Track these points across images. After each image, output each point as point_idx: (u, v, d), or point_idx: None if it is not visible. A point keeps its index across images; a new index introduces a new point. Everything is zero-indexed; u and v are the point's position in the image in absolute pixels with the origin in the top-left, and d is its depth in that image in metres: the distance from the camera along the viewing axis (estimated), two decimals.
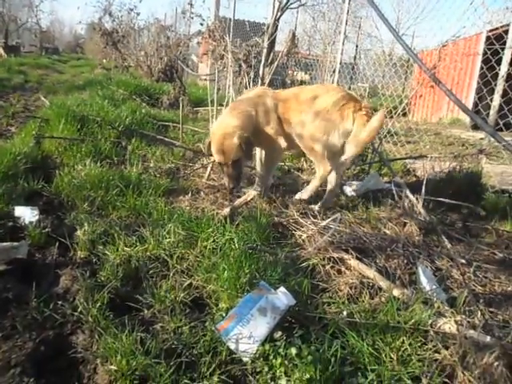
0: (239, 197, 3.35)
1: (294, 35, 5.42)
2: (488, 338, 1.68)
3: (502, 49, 3.97)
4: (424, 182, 3.23)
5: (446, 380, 1.62)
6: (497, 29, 9.63)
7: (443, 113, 13.02)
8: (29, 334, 1.69)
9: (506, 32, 4.08)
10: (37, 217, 2.59)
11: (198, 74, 10.33)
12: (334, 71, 8.00)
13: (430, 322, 1.80)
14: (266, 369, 1.60)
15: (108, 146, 4.31)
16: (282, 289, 1.92)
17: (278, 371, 1.59)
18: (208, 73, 10.76)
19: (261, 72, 6.62)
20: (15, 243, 2.18)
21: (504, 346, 1.61)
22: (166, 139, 5.23)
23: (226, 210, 2.81)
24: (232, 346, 1.69)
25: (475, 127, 10.39)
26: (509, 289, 2.47)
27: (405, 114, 10.23)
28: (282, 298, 1.88)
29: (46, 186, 3.23)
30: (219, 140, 3.00)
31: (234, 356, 1.68)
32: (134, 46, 14.31)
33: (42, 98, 7.67)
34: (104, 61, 17.51)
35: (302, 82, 12.26)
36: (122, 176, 3.37)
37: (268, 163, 3.41)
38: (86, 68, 18.58)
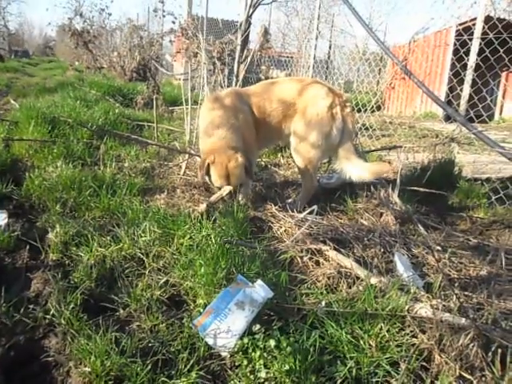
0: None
1: (266, 30, 5.41)
2: (463, 320, 1.70)
3: (470, 39, 4.04)
4: (399, 173, 3.26)
5: (424, 364, 1.63)
6: (466, 22, 9.85)
7: (417, 106, 13.25)
8: None
9: (475, 24, 4.17)
10: (5, 220, 2.51)
11: (172, 74, 10.23)
12: (308, 67, 8.04)
13: (406, 307, 1.82)
14: (246, 362, 1.59)
15: (81, 147, 4.21)
16: (260, 282, 1.91)
17: (257, 364, 1.58)
18: (182, 71, 10.66)
19: (235, 69, 6.60)
20: None
21: (478, 327, 1.63)
22: (141, 138, 5.16)
23: (203, 206, 2.77)
24: (210, 342, 1.66)
25: (448, 119, 10.61)
26: (482, 273, 2.51)
27: (379, 108, 10.38)
28: (260, 290, 1.86)
29: (15, 190, 3.13)
30: (222, 164, 2.81)
31: (212, 351, 1.66)
32: (107, 46, 14.07)
33: (12, 101, 7.46)
34: (76, 63, 17.17)
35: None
36: (95, 176, 3.30)
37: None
38: (57, 71, 18.17)
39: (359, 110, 6.69)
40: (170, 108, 7.93)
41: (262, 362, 1.58)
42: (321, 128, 3.05)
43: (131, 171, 3.92)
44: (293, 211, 3.06)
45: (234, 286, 1.87)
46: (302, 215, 2.72)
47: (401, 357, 1.62)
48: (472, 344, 1.61)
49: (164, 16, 8.31)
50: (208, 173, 2.91)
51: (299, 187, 3.80)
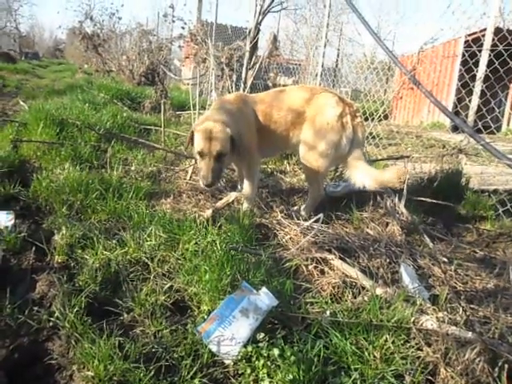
0: (220, 198, 3.34)
1: (275, 37, 5.43)
2: (469, 334, 1.68)
3: (480, 50, 4.03)
4: (405, 183, 3.24)
5: (429, 377, 1.62)
6: (475, 33, 9.84)
7: (424, 116, 13.23)
8: (1, 342, 1.63)
9: (484, 36, 4.16)
10: (12, 221, 2.52)
11: (180, 78, 10.29)
12: (316, 75, 8.06)
13: (412, 319, 1.80)
14: (249, 371, 1.58)
15: (88, 150, 4.24)
16: (264, 289, 1.90)
17: (260, 373, 1.57)
18: (190, 76, 10.71)
19: (243, 75, 6.62)
20: None
21: (485, 342, 1.61)
22: (148, 142, 5.18)
23: (208, 212, 2.77)
24: (214, 349, 1.66)
25: (455, 129, 10.57)
26: (489, 286, 2.49)
27: (386, 117, 10.36)
28: (264, 298, 1.85)
29: (23, 191, 3.15)
30: (209, 127, 2.71)
31: (215, 358, 1.65)
32: (116, 50, 14.18)
33: (21, 103, 7.52)
34: (85, 65, 17.31)
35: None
36: (102, 179, 3.31)
37: (249, 179, 3.17)
38: (66, 73, 18.32)
39: (366, 119, 6.68)
40: (178, 112, 7.96)
41: (265, 370, 1.57)
42: (330, 137, 3.04)
43: (138, 175, 3.94)
44: (298, 219, 3.05)
45: (238, 293, 1.87)
46: (307, 223, 2.71)
47: (406, 369, 1.60)
48: (478, 359, 1.59)
49: (174, 21, 8.38)
50: (192, 142, 2.84)
51: (305, 195, 3.79)
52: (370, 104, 6.36)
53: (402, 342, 1.73)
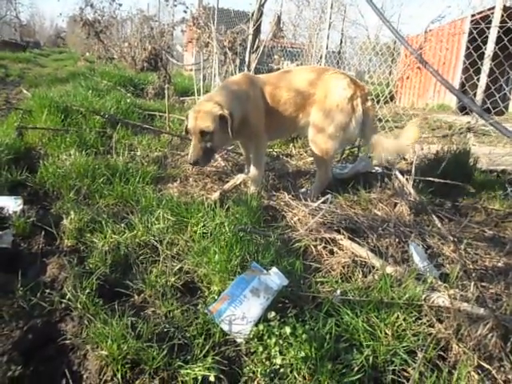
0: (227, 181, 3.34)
1: (279, 19, 5.35)
2: (481, 310, 1.67)
3: (488, 28, 3.95)
4: (413, 164, 3.22)
5: (441, 353, 1.62)
6: (482, 11, 9.67)
7: (430, 97, 13.07)
8: (15, 323, 1.65)
9: (492, 13, 4.07)
10: (21, 206, 2.52)
11: (183, 64, 10.20)
12: (320, 57, 7.96)
13: (423, 296, 1.80)
14: (261, 349, 1.58)
15: (93, 136, 4.22)
16: (275, 269, 1.90)
17: (272, 351, 1.57)
18: (193, 62, 10.62)
19: (247, 59, 6.55)
20: None
21: (497, 317, 1.61)
22: (152, 127, 5.16)
23: (216, 195, 2.77)
24: (225, 328, 1.66)
25: (462, 111, 10.45)
26: (499, 264, 2.48)
27: (392, 99, 10.26)
28: (275, 278, 1.85)
29: (30, 177, 3.15)
30: (199, 107, 2.76)
31: (227, 337, 1.66)
32: (118, 37, 14.07)
33: (24, 91, 7.51)
34: (87, 53, 17.21)
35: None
36: (108, 165, 3.31)
37: (256, 161, 3.17)
38: (68, 61, 18.20)
39: (371, 100, 6.63)
40: (181, 98, 7.91)
41: (277, 348, 1.57)
42: (339, 119, 3.01)
43: (144, 160, 3.93)
44: (306, 200, 3.04)
45: (248, 273, 1.87)
46: (315, 204, 2.69)
47: (417, 346, 1.60)
48: (491, 334, 1.58)
49: (175, 5, 8.27)
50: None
51: (312, 177, 3.78)
52: (376, 86, 6.29)
53: (413, 319, 1.73)
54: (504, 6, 4.27)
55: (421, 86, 13.45)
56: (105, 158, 3.64)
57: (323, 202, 2.65)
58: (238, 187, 2.90)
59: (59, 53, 29.64)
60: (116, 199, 2.89)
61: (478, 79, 4.02)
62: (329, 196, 2.63)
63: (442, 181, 3.26)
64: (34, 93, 6.48)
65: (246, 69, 6.66)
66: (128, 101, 6.00)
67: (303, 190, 3.45)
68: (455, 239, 2.69)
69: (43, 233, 2.32)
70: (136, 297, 1.90)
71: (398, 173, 3.41)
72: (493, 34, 4.03)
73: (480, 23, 4.37)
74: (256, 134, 3.09)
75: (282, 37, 6.37)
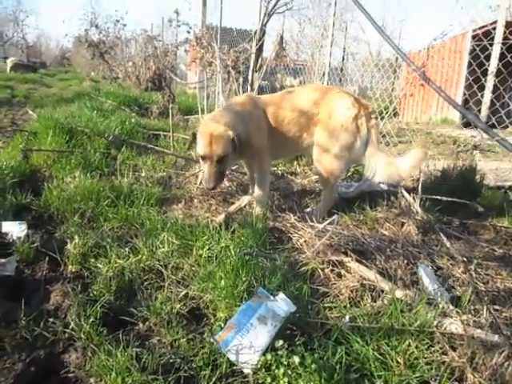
0: (232, 202, 3.31)
1: (281, 38, 5.39)
2: (496, 337, 1.62)
3: (490, 44, 3.96)
4: (420, 181, 3.19)
5: (456, 383, 1.56)
6: (484, 26, 9.74)
7: (433, 112, 13.08)
8: (18, 355, 1.61)
9: (494, 28, 4.10)
10: (25, 231, 2.51)
11: (186, 83, 10.31)
12: (323, 74, 8.00)
13: (435, 322, 1.75)
14: (269, 380, 1.54)
15: (98, 157, 4.23)
16: (282, 295, 1.86)
17: (281, 381, 1.53)
18: (197, 80, 10.70)
19: (250, 78, 6.60)
20: (2, 260, 2.09)
21: None
22: (157, 148, 5.17)
23: (221, 217, 2.74)
24: (232, 358, 1.62)
25: (466, 125, 10.45)
26: (511, 285, 2.43)
27: (395, 115, 10.28)
28: (282, 304, 1.81)
29: (34, 200, 3.14)
30: (210, 130, 2.72)
31: (234, 368, 1.61)
32: (122, 57, 14.27)
33: (30, 112, 7.57)
34: (92, 73, 17.43)
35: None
36: (112, 187, 3.30)
37: (260, 182, 3.15)
38: (74, 81, 18.44)
39: (375, 118, 6.65)
40: (185, 117, 7.95)
41: (286, 379, 1.52)
42: (345, 139, 2.99)
43: (148, 181, 3.92)
44: (312, 221, 3.00)
45: (255, 300, 1.83)
46: (322, 225, 2.66)
47: (431, 376, 1.55)
48: (507, 363, 1.53)
49: (179, 26, 8.39)
50: (194, 144, 2.87)
51: (317, 196, 3.75)
52: (380, 102, 6.31)
53: (425, 346, 1.67)
54: (506, 21, 4.30)
55: (424, 103, 13.48)
56: (109, 180, 3.63)
57: (329, 223, 2.61)
58: (243, 209, 2.88)
59: (65, 72, 30.07)
60: (120, 222, 2.87)
61: (481, 95, 4.02)
62: (335, 217, 2.60)
63: (449, 199, 3.21)
64: (40, 114, 6.54)
65: (249, 87, 6.71)
66: (132, 121, 6.04)
67: (308, 209, 3.41)
68: (465, 259, 2.65)
69: (47, 259, 2.30)
70: (141, 325, 1.86)
71: (404, 191, 3.38)
72: (496, 50, 4.04)
73: (482, 39, 4.40)
74: (259, 155, 3.08)
75: (284, 56, 6.42)
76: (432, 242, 2.94)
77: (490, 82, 3.85)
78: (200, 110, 5.22)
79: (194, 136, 2.79)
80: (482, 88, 4.26)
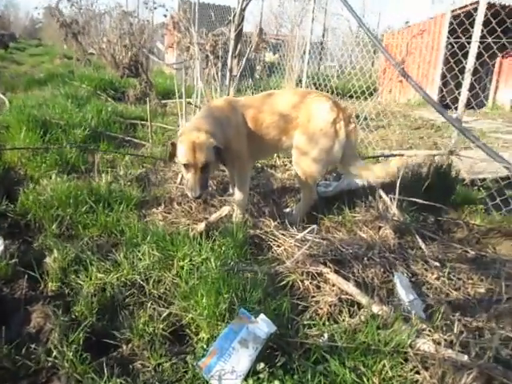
0: (212, 205, 3.33)
1: (261, 30, 5.29)
2: (465, 358, 1.71)
3: (472, 26, 3.94)
4: (398, 183, 3.25)
5: None
6: (465, 7, 9.74)
7: (412, 94, 13.17)
8: None
9: (475, 9, 4.08)
10: (1, 247, 2.46)
11: (164, 63, 10.05)
12: (304, 52, 7.90)
13: (409, 342, 1.83)
14: None
15: (74, 154, 4.14)
16: (262, 316, 1.90)
17: None
18: (174, 61, 10.43)
19: (229, 63, 6.48)
20: None
21: (481, 366, 1.65)
22: (135, 140, 5.10)
23: (201, 226, 2.75)
24: None
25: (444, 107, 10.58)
26: (481, 290, 2.54)
27: (375, 90, 10.31)
28: (263, 326, 1.86)
29: (10, 206, 3.08)
30: (192, 138, 2.67)
31: None
32: (96, 33, 13.73)
33: (1, 96, 7.29)
34: (64, 46, 16.74)
35: (271, 64, 12.18)
36: (90, 190, 3.24)
37: (240, 186, 3.15)
38: (45, 57, 17.76)
39: (351, 96, 6.68)
40: (163, 101, 7.81)
41: None
42: (323, 143, 3.01)
43: (126, 179, 3.88)
44: (291, 223, 3.05)
45: (236, 322, 1.87)
46: (301, 234, 2.70)
47: None
48: (475, 383, 1.63)
49: (155, 8, 8.11)
50: (175, 154, 2.80)
51: (296, 193, 3.79)
52: (356, 81, 6.35)
53: (399, 366, 1.76)
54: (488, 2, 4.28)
55: (402, 84, 13.52)
56: (87, 182, 3.56)
57: (309, 232, 2.66)
58: (223, 218, 2.89)
59: (36, 46, 28.96)
60: (100, 229, 2.85)
61: (462, 78, 4.01)
62: (314, 226, 2.64)
63: (425, 202, 3.29)
64: (11, 101, 6.33)
65: (228, 73, 6.60)
66: (109, 109, 5.90)
67: (288, 210, 3.46)
68: (438, 264, 2.75)
69: (26, 277, 2.27)
70: (124, 347, 1.89)
71: (381, 192, 3.44)
72: (476, 33, 4.01)
73: (463, 21, 4.42)
74: (239, 159, 3.08)
75: (264, 47, 6.31)
76: (408, 245, 3.03)
77: (470, 63, 3.84)
78: (178, 97, 5.09)
79: (174, 146, 2.75)
80: (461, 71, 4.32)
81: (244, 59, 4.92)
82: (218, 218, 2.81)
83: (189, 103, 5.48)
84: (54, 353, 1.76)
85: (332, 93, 7.13)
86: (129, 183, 3.78)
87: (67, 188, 3.20)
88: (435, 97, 12.82)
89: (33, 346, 1.83)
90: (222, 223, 2.88)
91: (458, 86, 4.33)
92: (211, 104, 3.16)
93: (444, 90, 5.55)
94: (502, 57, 12.65)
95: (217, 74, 6.99)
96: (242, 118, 3.05)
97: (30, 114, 4.68)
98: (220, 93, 6.92)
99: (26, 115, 4.65)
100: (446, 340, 1.85)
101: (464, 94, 3.87)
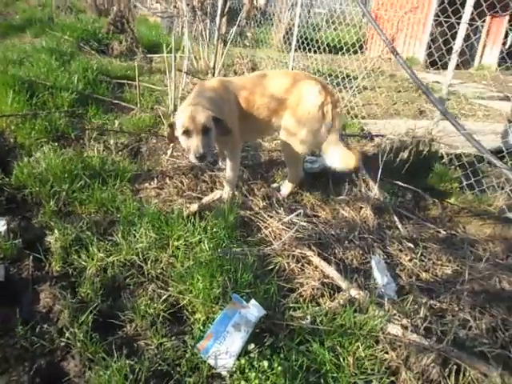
0: (203, 180, 3.47)
1: None
2: (427, 342, 1.99)
3: None
4: (381, 164, 3.43)
5: (393, 378, 1.94)
6: None
7: (399, 50, 13.03)
8: (22, 366, 1.83)
9: None
10: (5, 227, 2.58)
11: (150, 11, 9.64)
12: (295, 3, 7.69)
13: (380, 326, 2.09)
14: (243, 382, 1.85)
15: (63, 121, 4.16)
16: (253, 301, 2.13)
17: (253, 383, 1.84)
18: (159, 10, 10.03)
19: (217, 23, 6.34)
20: None
21: (439, 350, 1.93)
22: (124, 103, 5.09)
23: (194, 207, 2.91)
24: (212, 363, 1.91)
25: (431, 65, 10.58)
26: (448, 271, 2.82)
27: (361, 48, 10.20)
28: (254, 310, 2.09)
29: (5, 179, 3.15)
30: (189, 109, 2.75)
31: (213, 372, 1.91)
32: None
33: None
34: None
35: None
36: (84, 165, 3.33)
37: (231, 164, 3.25)
38: None
39: (337, 52, 6.68)
40: (149, 55, 7.62)
41: (257, 381, 1.84)
42: (310, 126, 3.13)
43: (117, 148, 3.95)
44: (278, 202, 3.24)
45: (230, 307, 2.09)
46: (288, 218, 2.90)
47: (375, 376, 1.91)
48: (433, 364, 1.92)
49: None
50: (173, 133, 2.86)
51: (283, 167, 3.93)
52: (350, 28, 6.33)
53: (372, 347, 2.03)
54: None
55: (390, 37, 13.33)
56: (78, 152, 3.63)
57: (296, 216, 2.86)
58: (216, 201, 3.05)
59: None
60: (96, 206, 2.98)
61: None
62: (301, 211, 2.84)
63: (405, 185, 3.51)
64: None
65: (216, 32, 6.47)
66: (95, 68, 5.77)
67: (275, 185, 3.62)
68: (411, 246, 3.00)
69: (31, 257, 2.43)
70: (128, 327, 2.10)
71: (364, 171, 3.63)
72: None
73: None
74: (231, 138, 3.18)
75: (255, 14, 6.16)
76: (386, 224, 3.27)
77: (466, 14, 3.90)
78: (166, 50, 4.98)
79: (172, 126, 2.82)
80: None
81: (234, 27, 4.82)
82: (211, 201, 2.97)
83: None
84: (67, 334, 1.96)
85: (319, 48, 7.01)
86: (120, 153, 3.86)
87: (61, 162, 3.28)
88: (423, 52, 12.84)
89: (45, 326, 2.03)
90: (213, 203, 3.04)
91: (446, 43, 4.45)
92: (204, 84, 3.21)
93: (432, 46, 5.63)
94: (491, 16, 12.54)
95: (205, 30, 6.83)
96: (235, 98, 3.13)
97: (15, 76, 4.60)
98: (208, 51, 6.82)
99: (11, 77, 4.56)
100: (412, 325, 2.12)
101: (459, 40, 3.96)
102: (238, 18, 5.18)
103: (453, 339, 2.09)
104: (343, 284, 2.40)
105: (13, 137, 3.95)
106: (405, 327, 2.09)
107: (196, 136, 2.73)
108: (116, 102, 5.08)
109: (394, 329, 2.08)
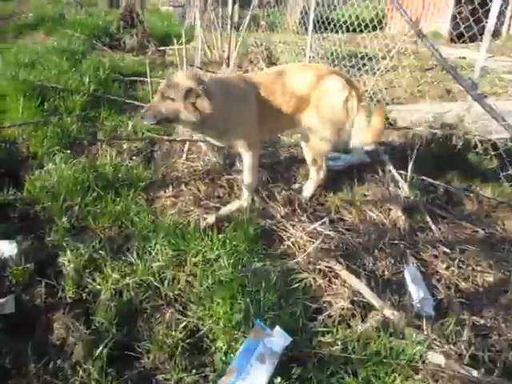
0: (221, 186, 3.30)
1: None
2: (475, 373, 1.78)
3: None
4: (411, 163, 3.19)
5: None
6: None
7: (422, 25, 12.41)
8: None
9: None
10: (15, 250, 2.48)
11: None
12: None
13: (419, 354, 1.89)
14: None
15: (75, 126, 4.04)
16: (278, 328, 1.96)
17: None
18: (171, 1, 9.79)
19: (229, 10, 6.09)
20: (0, 300, 2.11)
21: (489, 383, 1.72)
22: (136, 103, 4.93)
23: (212, 218, 2.75)
24: None
25: (453, 41, 10.06)
26: (489, 279, 2.59)
27: (381, 24, 9.70)
28: (279, 339, 1.93)
29: (17, 194, 3.05)
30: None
31: None
32: None
33: None
34: None
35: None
36: (97, 175, 3.20)
37: (249, 166, 3.05)
38: None
39: (354, 30, 6.29)
40: (161, 48, 7.43)
41: None
42: (334, 124, 2.96)
43: (130, 153, 3.82)
44: (300, 203, 3.07)
45: (253, 336, 1.93)
46: (312, 226, 2.70)
47: None
48: None
49: None
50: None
51: (305, 164, 3.72)
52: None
53: (410, 377, 1.84)
54: None
55: (411, 14, 12.72)
56: (91, 162, 3.49)
57: (321, 224, 2.66)
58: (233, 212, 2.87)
59: None
60: (109, 220, 2.85)
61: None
62: (326, 219, 2.64)
63: (436, 183, 3.26)
64: (3, 56, 6.03)
65: (229, 21, 6.22)
66: (107, 66, 5.63)
67: (297, 185, 3.43)
68: (447, 250, 2.77)
69: (44, 283, 2.31)
70: (145, 359, 1.97)
71: (391, 167, 3.39)
72: None
73: None
74: (249, 137, 2.99)
75: (268, 2, 5.85)
76: (417, 226, 3.03)
77: None
78: (177, 42, 4.77)
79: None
80: None
81: (248, 16, 4.57)
82: (229, 212, 2.80)
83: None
84: (80, 371, 1.84)
85: (335, 27, 6.64)
86: (134, 158, 3.73)
87: (73, 173, 3.16)
88: (448, 24, 12.16)
89: (58, 361, 1.92)
90: (231, 213, 2.87)
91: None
92: (226, 76, 3.04)
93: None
94: None
95: (217, 18, 6.60)
96: (255, 95, 2.93)
97: (26, 81, 4.50)
98: (221, 40, 6.57)
99: (22, 82, 4.46)
100: (455, 352, 1.91)
101: (487, 39, 3.63)
102: (251, 6, 4.90)
103: (503, 366, 1.88)
104: (375, 302, 2.20)
105: (25, 146, 3.86)
106: (447, 354, 1.88)
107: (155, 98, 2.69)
108: (129, 101, 4.93)
109: (435, 357, 1.88)
